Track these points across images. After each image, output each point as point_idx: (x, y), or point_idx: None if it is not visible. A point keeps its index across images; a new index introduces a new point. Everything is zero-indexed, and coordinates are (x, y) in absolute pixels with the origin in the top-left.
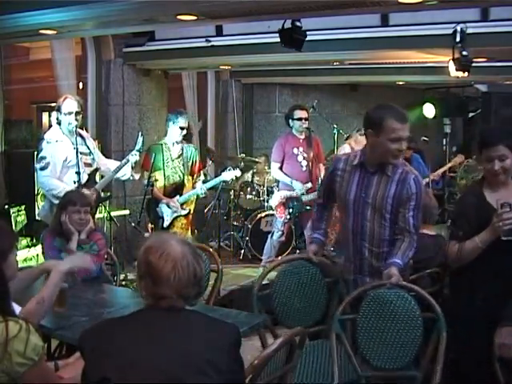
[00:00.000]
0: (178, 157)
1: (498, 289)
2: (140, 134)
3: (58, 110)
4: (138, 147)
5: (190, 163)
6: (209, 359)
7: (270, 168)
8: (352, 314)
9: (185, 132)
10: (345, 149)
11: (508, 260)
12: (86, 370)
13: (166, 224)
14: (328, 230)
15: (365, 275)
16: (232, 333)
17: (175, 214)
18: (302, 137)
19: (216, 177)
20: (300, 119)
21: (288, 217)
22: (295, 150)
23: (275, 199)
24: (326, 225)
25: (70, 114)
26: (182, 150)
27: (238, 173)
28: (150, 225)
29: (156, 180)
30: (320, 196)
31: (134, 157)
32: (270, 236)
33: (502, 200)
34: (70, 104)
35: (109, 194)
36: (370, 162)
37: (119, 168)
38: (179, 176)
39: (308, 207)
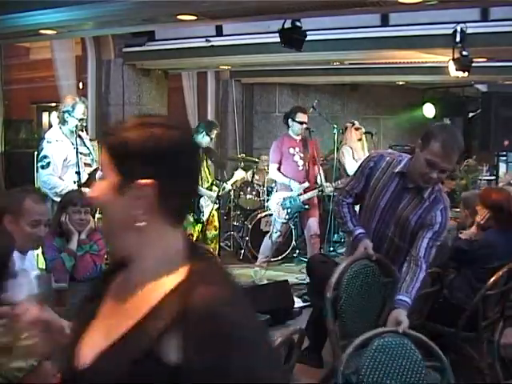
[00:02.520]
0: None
1: None
2: None
3: (68, 112)
4: None
5: None
6: None
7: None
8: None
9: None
10: (347, 152)
11: None
12: None
13: (205, 217)
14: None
15: None
16: None
17: (211, 207)
18: (299, 138)
19: (215, 177)
20: (301, 123)
21: (287, 217)
22: (291, 150)
23: (274, 200)
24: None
25: (82, 119)
26: None
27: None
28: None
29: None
30: (349, 193)
31: None
32: (268, 236)
33: None
34: (81, 109)
35: None
36: (410, 176)
37: None
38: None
39: (306, 206)
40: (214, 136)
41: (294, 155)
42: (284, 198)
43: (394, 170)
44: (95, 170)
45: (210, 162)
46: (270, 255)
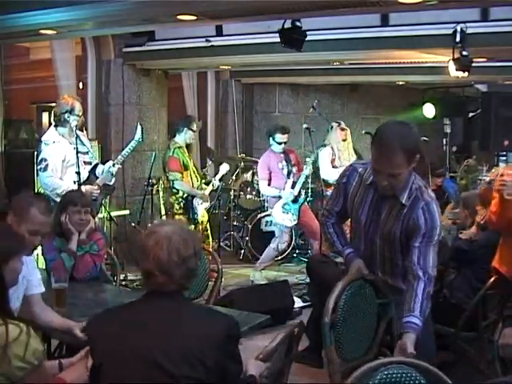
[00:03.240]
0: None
1: None
2: (139, 124)
3: (68, 111)
4: (137, 137)
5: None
6: (195, 350)
7: None
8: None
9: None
10: (326, 155)
11: None
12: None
13: (199, 218)
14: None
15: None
16: (226, 325)
17: (204, 206)
18: (281, 151)
19: (215, 176)
20: (280, 143)
21: (294, 218)
22: (280, 165)
23: (276, 213)
24: (347, 234)
25: (81, 116)
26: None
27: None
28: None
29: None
30: (330, 212)
31: (116, 166)
32: (273, 247)
33: None
34: (79, 106)
35: (113, 181)
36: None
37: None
38: (195, 173)
39: (302, 197)
40: (195, 129)
41: (282, 169)
42: (282, 205)
43: (366, 182)
44: (95, 166)
45: (209, 161)
46: (273, 261)
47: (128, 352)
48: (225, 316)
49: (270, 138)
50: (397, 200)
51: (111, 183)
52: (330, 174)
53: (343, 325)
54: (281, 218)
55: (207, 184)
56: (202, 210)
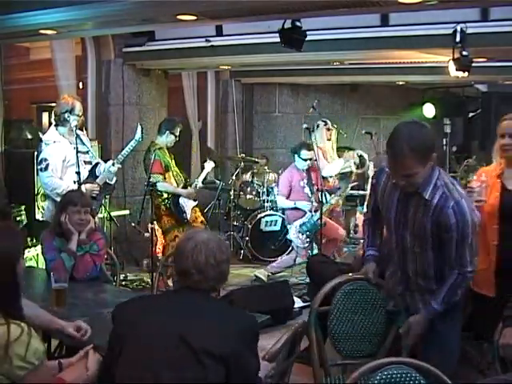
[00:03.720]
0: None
1: None
2: (139, 124)
3: (69, 111)
4: (137, 137)
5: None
6: (207, 346)
7: (269, 169)
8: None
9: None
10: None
11: None
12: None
13: (188, 216)
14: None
15: (413, 291)
16: (249, 320)
17: (193, 204)
18: (306, 168)
19: (215, 177)
20: (306, 160)
21: (307, 240)
22: (302, 183)
23: (292, 231)
24: (380, 239)
25: (81, 116)
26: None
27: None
28: (149, 225)
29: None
30: (368, 210)
31: (116, 166)
32: (292, 255)
33: None
34: (79, 106)
35: (114, 180)
36: None
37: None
38: (178, 174)
39: (319, 222)
40: (177, 133)
41: (304, 187)
42: (300, 225)
43: (393, 181)
44: (95, 165)
45: (211, 162)
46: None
47: (154, 329)
48: (249, 314)
49: (295, 155)
50: (421, 197)
51: (112, 182)
52: (328, 170)
53: (337, 317)
54: (295, 236)
55: (190, 185)
56: (189, 208)
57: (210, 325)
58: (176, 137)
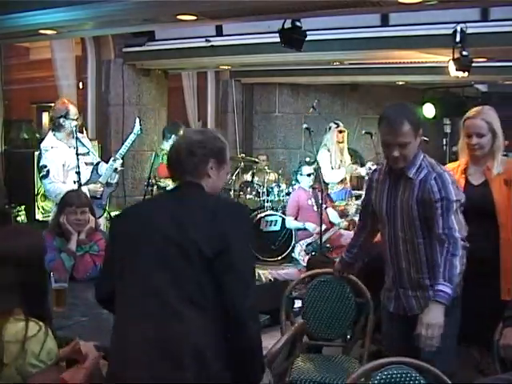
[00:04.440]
0: None
1: None
2: (137, 117)
3: (63, 116)
4: (135, 130)
5: None
6: (198, 244)
7: (269, 168)
8: None
9: None
10: (326, 157)
11: None
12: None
13: None
14: (360, 255)
15: (406, 288)
16: (235, 212)
17: None
18: (311, 184)
19: None
20: (309, 175)
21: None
22: (309, 202)
23: (297, 250)
24: (358, 249)
25: (77, 119)
26: None
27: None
28: None
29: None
30: (359, 215)
31: (117, 161)
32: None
33: None
34: (74, 110)
35: (117, 178)
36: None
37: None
38: None
39: (328, 245)
40: None
41: (312, 206)
42: (307, 245)
43: (385, 171)
44: (97, 165)
45: None
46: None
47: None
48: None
49: (297, 174)
50: (407, 178)
51: (114, 181)
52: (330, 177)
53: (310, 306)
54: (300, 256)
55: None
56: None
57: (200, 220)
58: None
